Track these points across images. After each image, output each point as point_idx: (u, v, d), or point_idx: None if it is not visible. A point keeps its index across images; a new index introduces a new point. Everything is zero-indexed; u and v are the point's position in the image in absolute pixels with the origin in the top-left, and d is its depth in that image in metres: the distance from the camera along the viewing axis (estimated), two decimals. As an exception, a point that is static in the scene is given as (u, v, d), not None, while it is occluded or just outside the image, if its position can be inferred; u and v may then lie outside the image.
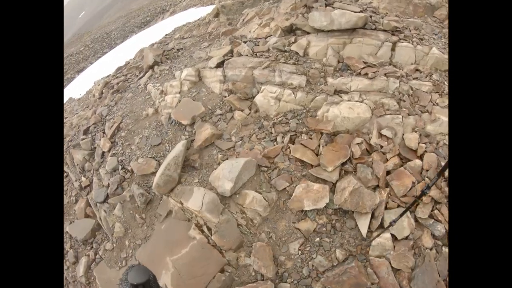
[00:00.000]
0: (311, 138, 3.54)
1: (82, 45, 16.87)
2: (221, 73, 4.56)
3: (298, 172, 3.34)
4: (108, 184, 4.34)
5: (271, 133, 3.71)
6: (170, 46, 6.44)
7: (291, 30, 4.96)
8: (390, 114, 3.55)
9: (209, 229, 3.29)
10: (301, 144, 3.48)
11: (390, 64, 4.12)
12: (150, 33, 9.02)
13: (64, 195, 5.20)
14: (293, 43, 4.61)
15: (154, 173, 4.08)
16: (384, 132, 3.42)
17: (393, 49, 4.36)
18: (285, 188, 3.28)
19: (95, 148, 5.10)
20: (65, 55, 15.95)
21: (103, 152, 4.83)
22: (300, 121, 3.75)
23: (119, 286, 1.06)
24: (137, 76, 6.41)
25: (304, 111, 3.85)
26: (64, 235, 4.77)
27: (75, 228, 4.71)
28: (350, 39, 4.42)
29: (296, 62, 4.21)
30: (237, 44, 4.86)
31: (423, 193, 2.23)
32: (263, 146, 3.60)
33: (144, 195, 3.92)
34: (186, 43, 6.29)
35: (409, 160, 3.28)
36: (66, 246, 4.72)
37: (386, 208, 3.15)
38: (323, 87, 3.90)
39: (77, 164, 5.17)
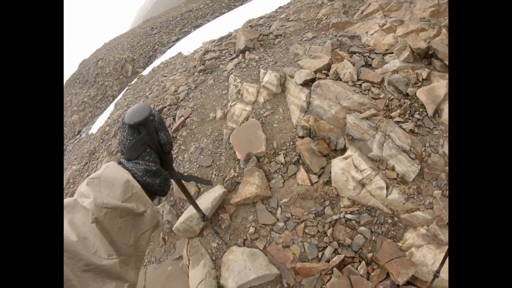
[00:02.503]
0: (367, 277, 2.20)
1: (203, 2, 16.90)
2: (306, 98, 3.31)
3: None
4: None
5: (325, 234, 2.48)
6: (271, 29, 5.29)
7: (425, 55, 3.13)
8: None
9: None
10: (348, 277, 2.18)
11: None
12: (265, 1, 7.86)
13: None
14: (423, 81, 2.87)
15: (190, 201, 3.51)
16: None
17: None
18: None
19: (161, 133, 4.83)
20: (185, 9, 16.36)
21: (162, 146, 4.48)
22: (373, 237, 2.37)
23: (120, 132, 0.82)
24: (230, 55, 5.64)
25: (390, 221, 2.41)
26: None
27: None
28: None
29: (417, 128, 2.58)
30: (339, 59, 3.39)
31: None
32: (303, 250, 2.45)
33: (170, 222, 3.43)
34: (289, 28, 5.00)
35: None
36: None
37: None
38: (438, 197, 2.29)
39: (144, 143, 5.05)
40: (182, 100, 5.04)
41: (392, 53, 3.38)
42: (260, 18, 6.36)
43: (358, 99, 2.87)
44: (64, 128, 12.62)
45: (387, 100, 2.79)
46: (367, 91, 2.94)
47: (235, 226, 2.90)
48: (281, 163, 3.06)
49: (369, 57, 3.45)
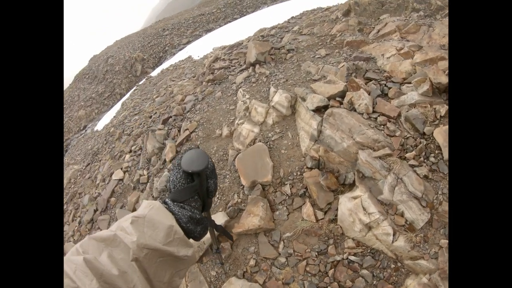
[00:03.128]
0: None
1: (215, 7, 16.85)
2: (317, 126, 3.19)
3: None
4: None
5: (326, 275, 2.37)
6: (283, 41, 5.17)
7: (445, 89, 2.99)
8: None
9: None
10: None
11: None
12: (278, 10, 7.74)
13: (128, 173, 5.22)
14: (441, 118, 2.73)
15: (190, 222, 3.41)
16: None
17: None
18: None
19: (165, 145, 4.75)
20: (197, 13, 16.29)
21: (165, 160, 4.40)
22: (375, 281, 2.26)
23: (172, 171, 0.86)
24: (240, 66, 5.54)
25: (393, 266, 2.29)
26: (113, 216, 4.86)
27: (121, 215, 4.70)
28: None
29: (431, 174, 2.45)
30: (354, 87, 3.26)
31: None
32: (306, 293, 2.35)
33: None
34: (301, 43, 4.88)
35: None
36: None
37: None
38: (444, 247, 2.16)
39: (147, 153, 4.98)
40: (188, 112, 4.95)
41: (410, 83, 3.24)
42: (272, 28, 6.24)
43: (373, 135, 2.74)
44: (70, 122, 12.63)
45: (403, 139, 2.66)
46: (382, 126, 2.81)
47: (236, 256, 2.80)
48: (287, 194, 2.94)
49: (385, 85, 3.32)
